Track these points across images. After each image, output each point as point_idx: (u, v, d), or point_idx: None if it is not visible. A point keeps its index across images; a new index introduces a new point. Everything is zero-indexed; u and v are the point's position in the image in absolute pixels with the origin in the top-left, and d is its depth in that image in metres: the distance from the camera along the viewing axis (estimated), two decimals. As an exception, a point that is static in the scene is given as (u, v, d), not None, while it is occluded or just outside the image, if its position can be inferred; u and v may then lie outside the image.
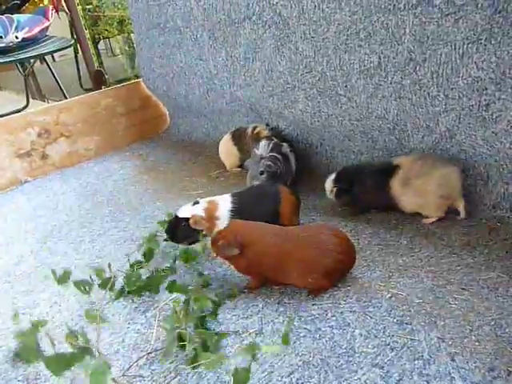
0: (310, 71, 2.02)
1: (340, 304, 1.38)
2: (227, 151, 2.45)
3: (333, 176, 1.86)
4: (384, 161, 1.85)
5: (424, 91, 1.66)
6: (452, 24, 1.52)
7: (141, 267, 1.61)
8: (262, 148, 2.07)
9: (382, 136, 1.93)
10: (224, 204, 1.66)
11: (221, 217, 1.63)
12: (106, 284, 1.51)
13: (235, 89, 2.44)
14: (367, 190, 1.78)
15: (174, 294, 1.50)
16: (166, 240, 1.79)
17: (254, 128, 2.37)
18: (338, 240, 1.42)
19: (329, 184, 1.87)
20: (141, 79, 3.12)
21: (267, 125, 2.38)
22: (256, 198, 1.70)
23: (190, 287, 1.46)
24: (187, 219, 1.59)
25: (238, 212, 1.64)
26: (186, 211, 1.62)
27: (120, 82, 4.94)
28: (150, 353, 1.31)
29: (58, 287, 1.66)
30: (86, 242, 1.97)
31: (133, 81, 3.22)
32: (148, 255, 1.64)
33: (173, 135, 3.13)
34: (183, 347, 1.22)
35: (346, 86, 1.90)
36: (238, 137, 2.42)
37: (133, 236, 1.96)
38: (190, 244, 1.65)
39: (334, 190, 1.85)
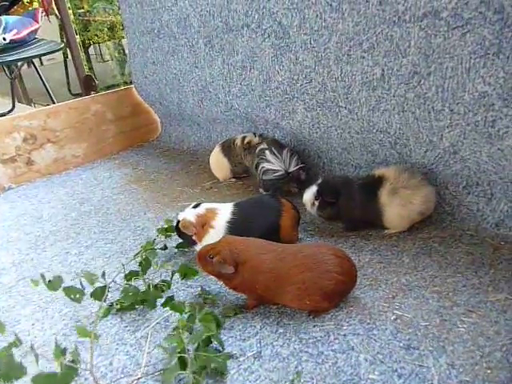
0: (310, 82, 1.97)
1: (343, 326, 1.32)
2: (218, 164, 2.40)
3: (314, 188, 1.78)
4: (363, 174, 1.87)
5: (428, 105, 1.63)
6: (459, 38, 1.48)
7: (136, 278, 1.53)
8: (276, 160, 2.03)
9: (382, 150, 1.88)
10: (224, 214, 1.62)
11: (216, 226, 1.59)
12: (99, 294, 1.41)
13: (231, 97, 2.38)
14: (354, 202, 1.72)
15: (167, 313, 1.42)
16: (162, 249, 1.77)
17: (244, 138, 2.33)
18: (338, 260, 1.35)
19: (309, 196, 1.79)
20: (132, 85, 3.05)
21: (254, 134, 2.34)
22: (257, 210, 1.65)
23: (187, 304, 1.39)
24: (177, 223, 1.63)
25: (236, 224, 1.60)
26: (182, 214, 1.63)
27: (109, 88, 4.87)
28: (141, 378, 1.22)
29: (41, 302, 1.58)
30: (73, 254, 1.88)
31: (124, 87, 3.15)
32: (145, 265, 1.56)
33: (164, 143, 3.06)
34: (182, 372, 1.13)
35: (346, 98, 1.86)
36: (228, 148, 2.38)
37: (122, 248, 1.87)
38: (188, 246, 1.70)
39: (316, 202, 1.77)
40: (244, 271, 1.32)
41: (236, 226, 1.59)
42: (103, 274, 1.46)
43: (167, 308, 1.40)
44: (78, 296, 1.38)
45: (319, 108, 1.99)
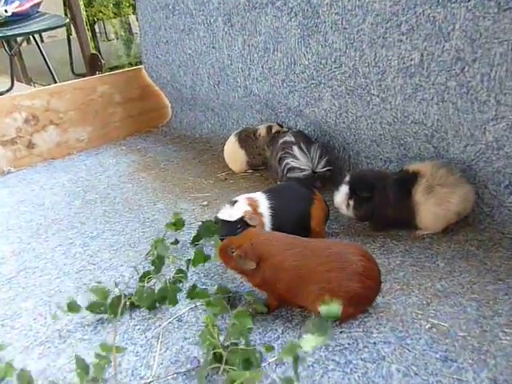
0: (340, 66, 1.94)
1: (372, 333, 1.30)
2: (234, 155, 2.39)
3: (344, 188, 1.75)
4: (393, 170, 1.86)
5: (471, 95, 1.59)
6: (510, 21, 1.45)
7: (150, 278, 1.52)
8: (304, 158, 2.02)
9: (416, 143, 1.85)
10: (262, 202, 1.65)
11: (264, 214, 1.62)
12: (115, 306, 1.40)
13: (250, 82, 2.36)
14: (387, 199, 1.70)
15: (181, 311, 1.42)
16: (173, 243, 1.76)
17: (270, 128, 2.31)
18: (367, 263, 1.32)
19: (342, 197, 1.75)
20: (142, 66, 3.04)
21: (279, 124, 2.33)
22: (289, 196, 1.68)
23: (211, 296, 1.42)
24: (240, 219, 1.55)
25: (276, 210, 1.64)
26: (232, 212, 1.58)
27: (113, 69, 4.85)
28: (152, 381, 1.21)
29: (43, 295, 1.58)
30: (77, 245, 1.88)
31: (133, 67, 3.14)
32: (158, 263, 1.56)
33: (174, 130, 3.04)
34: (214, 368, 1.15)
35: (380, 85, 1.83)
36: (246, 139, 2.36)
37: (130, 241, 1.87)
38: None
39: (351, 202, 1.73)
40: (266, 268, 1.31)
41: (276, 213, 1.63)
42: (116, 285, 1.48)
43: (181, 306, 1.40)
44: (101, 309, 1.42)
45: (348, 95, 1.97)
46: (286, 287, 1.32)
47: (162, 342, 1.33)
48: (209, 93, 2.67)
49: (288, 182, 1.90)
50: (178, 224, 1.81)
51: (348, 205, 1.74)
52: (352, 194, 1.73)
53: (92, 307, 1.42)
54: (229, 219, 1.56)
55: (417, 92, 1.73)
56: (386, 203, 1.70)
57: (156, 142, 2.90)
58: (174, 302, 1.45)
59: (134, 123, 3.04)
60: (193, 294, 1.43)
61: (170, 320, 1.41)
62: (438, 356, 1.21)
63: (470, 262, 1.56)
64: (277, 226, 1.61)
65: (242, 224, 1.55)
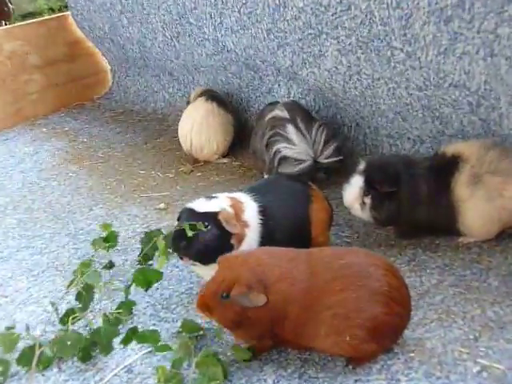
0: (348, 9, 1.97)
1: (399, 381, 1.32)
2: (211, 128, 2.40)
3: (358, 179, 1.77)
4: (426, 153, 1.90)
5: (532, 46, 1.63)
6: None
7: (77, 318, 1.52)
8: (303, 142, 2.04)
9: (457, 115, 1.89)
10: (248, 205, 1.62)
11: (250, 223, 1.59)
12: (26, 359, 1.41)
13: (223, 33, 2.38)
14: (418, 195, 1.73)
15: (131, 358, 1.43)
16: (107, 267, 1.76)
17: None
18: (395, 282, 1.35)
19: (354, 193, 1.77)
20: (68, 12, 3.05)
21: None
22: (279, 196, 1.68)
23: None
24: (213, 214, 1.52)
25: (265, 216, 1.62)
26: (206, 204, 1.56)
27: (27, 17, 4.82)
28: None
29: None
30: (-21, 270, 1.88)
31: (56, 14, 3.14)
32: (86, 297, 1.56)
33: (117, 103, 3.07)
34: None
35: (404, 35, 1.86)
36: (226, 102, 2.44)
37: (56, 262, 1.88)
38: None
39: (368, 199, 1.75)
40: (271, 297, 1.29)
41: (266, 221, 1.61)
42: (27, 329, 1.46)
43: (130, 351, 1.41)
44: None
45: (361, 50, 1.99)
46: (293, 325, 1.33)
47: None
48: (165, 50, 2.67)
49: (275, 176, 1.91)
50: (110, 239, 1.81)
51: (363, 203, 1.76)
52: (369, 188, 1.75)
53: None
54: (197, 210, 1.55)
55: (456, 43, 1.76)
56: (417, 201, 1.73)
57: (91, 121, 2.92)
58: (107, 349, 1.44)
59: (59, 95, 3.06)
60: (132, 337, 1.41)
61: (115, 371, 1.42)
62: (490, 410, 1.24)
63: (534, 280, 1.60)
64: (267, 238, 1.61)
65: (212, 223, 1.51)
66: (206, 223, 1.50)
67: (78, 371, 1.44)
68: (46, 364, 1.45)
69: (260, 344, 1.42)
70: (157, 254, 1.66)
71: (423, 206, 1.73)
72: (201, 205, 1.55)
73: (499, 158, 1.68)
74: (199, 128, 2.40)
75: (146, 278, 1.58)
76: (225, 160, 2.44)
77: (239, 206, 1.60)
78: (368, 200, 1.76)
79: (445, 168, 1.72)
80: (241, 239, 1.56)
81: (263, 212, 1.62)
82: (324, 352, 1.39)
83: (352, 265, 1.34)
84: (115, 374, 1.41)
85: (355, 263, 1.35)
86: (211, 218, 1.51)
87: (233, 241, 1.54)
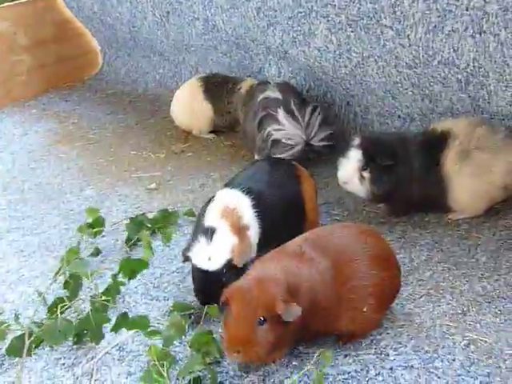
0: (337, -13, 1.96)
1: (388, 355, 1.33)
2: (194, 107, 2.42)
3: (355, 153, 1.75)
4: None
5: (520, 23, 1.63)
6: None
7: (66, 306, 1.51)
8: (295, 126, 2.03)
9: (447, 93, 1.89)
10: (241, 205, 1.57)
11: (250, 224, 1.56)
12: (16, 348, 1.41)
13: (213, 12, 2.37)
14: (412, 171, 1.74)
15: (122, 336, 1.43)
16: (94, 254, 1.76)
17: (253, 86, 2.33)
18: (385, 244, 1.41)
19: (352, 168, 1.75)
20: (57, -8, 3.02)
21: (268, 83, 2.30)
22: (270, 183, 1.66)
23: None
24: (227, 264, 1.44)
25: (261, 211, 1.59)
26: (213, 253, 1.46)
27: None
28: None
29: None
30: (-29, 251, 1.89)
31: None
32: (73, 285, 1.56)
33: (107, 84, 3.06)
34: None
35: (393, 13, 1.85)
36: (215, 88, 2.39)
37: (48, 242, 1.88)
38: None
39: (366, 174, 1.74)
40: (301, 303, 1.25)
41: (263, 215, 1.59)
42: (17, 318, 1.46)
43: (122, 330, 1.42)
44: None
45: (350, 28, 1.98)
46: (324, 318, 1.32)
47: (96, 380, 1.34)
48: (154, 29, 2.66)
49: (259, 162, 1.86)
50: (96, 224, 1.81)
51: (362, 178, 1.74)
52: (368, 161, 1.73)
53: None
54: (208, 269, 1.45)
55: (444, 21, 1.75)
56: (410, 177, 1.73)
57: (81, 102, 2.91)
58: (98, 337, 1.44)
59: (49, 76, 3.04)
60: (122, 324, 1.41)
61: (107, 350, 1.42)
62: (477, 383, 1.24)
63: (522, 256, 1.61)
64: (267, 231, 1.59)
65: (228, 271, 1.44)
66: (224, 274, 1.45)
67: (70, 350, 1.45)
68: (37, 343, 1.45)
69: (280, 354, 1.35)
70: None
71: (415, 182, 1.74)
72: (208, 253, 1.46)
73: (487, 135, 1.69)
74: (181, 104, 2.51)
75: (132, 267, 1.56)
76: (211, 135, 2.48)
77: (235, 215, 1.55)
78: (367, 174, 1.74)
79: (435, 145, 1.73)
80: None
81: (257, 204, 1.59)
82: (340, 331, 1.38)
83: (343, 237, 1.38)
84: (107, 352, 1.42)
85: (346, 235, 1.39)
86: (227, 267, 1.45)
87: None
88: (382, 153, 1.72)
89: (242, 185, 1.63)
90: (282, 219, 1.60)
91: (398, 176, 1.73)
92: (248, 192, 1.60)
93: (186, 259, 1.50)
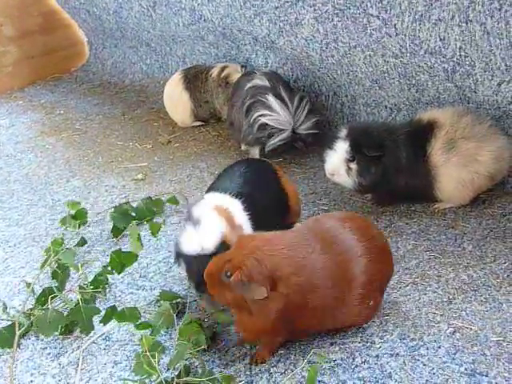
0: (324, -24, 1.95)
1: (374, 343, 1.34)
2: (175, 99, 2.45)
3: (342, 144, 1.74)
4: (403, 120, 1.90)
5: (507, 12, 1.62)
6: None
7: (54, 295, 1.50)
8: (284, 111, 2.02)
9: (433, 82, 1.89)
10: (234, 206, 1.54)
11: (243, 224, 1.53)
12: (5, 339, 1.41)
13: (199, 2, 2.35)
14: (399, 161, 1.74)
15: (109, 326, 1.43)
16: (79, 244, 1.75)
17: (223, 68, 2.36)
18: (383, 237, 1.41)
19: (339, 159, 1.74)
20: (43, -17, 3.00)
21: (243, 66, 2.35)
22: (255, 183, 1.63)
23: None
24: (219, 248, 1.38)
25: (251, 211, 1.56)
26: (203, 239, 1.40)
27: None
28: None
29: None
30: (-44, 241, 1.87)
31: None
32: (62, 276, 1.56)
33: (94, 75, 3.05)
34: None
35: (380, 2, 1.84)
36: (193, 79, 2.41)
37: (34, 233, 1.88)
38: None
39: (354, 165, 1.73)
40: (287, 293, 1.24)
41: (254, 216, 1.57)
42: (5, 308, 1.46)
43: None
44: None
45: (337, 17, 1.98)
46: (320, 312, 1.29)
47: (82, 369, 1.34)
48: (141, 20, 2.64)
49: (237, 165, 1.78)
50: (79, 216, 1.81)
51: (349, 169, 1.74)
52: (355, 153, 1.72)
53: None
54: (201, 252, 1.38)
55: (431, 9, 1.75)
56: (397, 167, 1.73)
57: (68, 94, 2.90)
58: (89, 328, 1.43)
59: (35, 67, 3.03)
60: (112, 316, 1.41)
61: (93, 339, 1.42)
62: (462, 370, 1.25)
63: (507, 244, 1.62)
64: (256, 225, 1.56)
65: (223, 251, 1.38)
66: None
67: (56, 339, 1.45)
68: (23, 332, 1.45)
69: (269, 344, 1.36)
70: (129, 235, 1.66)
71: (402, 172, 1.74)
72: (197, 240, 1.40)
73: (472, 124, 1.70)
74: (166, 97, 2.53)
75: (121, 260, 1.56)
76: (197, 123, 2.50)
77: (228, 214, 1.51)
78: (354, 165, 1.74)
79: (421, 135, 1.73)
80: None
81: (248, 206, 1.56)
82: (344, 326, 1.38)
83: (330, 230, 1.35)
84: (93, 342, 1.42)
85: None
86: (221, 248, 1.38)
87: None
88: (368, 144, 1.72)
89: (229, 190, 1.58)
90: (269, 215, 1.59)
91: (385, 166, 1.73)
92: (237, 196, 1.56)
93: (177, 252, 1.45)
